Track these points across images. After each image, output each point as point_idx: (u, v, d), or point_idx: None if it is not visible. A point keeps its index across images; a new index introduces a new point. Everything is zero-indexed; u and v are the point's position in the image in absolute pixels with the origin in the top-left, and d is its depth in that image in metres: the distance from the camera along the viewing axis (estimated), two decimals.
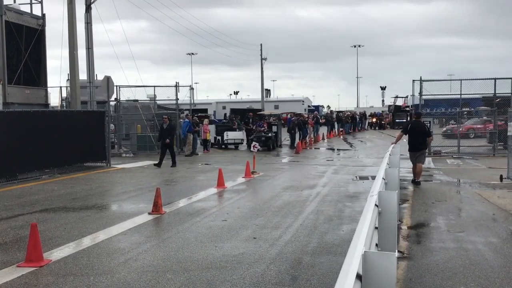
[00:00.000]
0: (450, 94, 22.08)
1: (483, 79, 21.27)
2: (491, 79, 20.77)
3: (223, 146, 26.08)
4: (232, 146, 26.16)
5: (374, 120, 51.97)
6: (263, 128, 25.52)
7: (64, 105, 26.11)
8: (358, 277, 2.52)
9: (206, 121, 25.47)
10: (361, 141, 32.45)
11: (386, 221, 4.60)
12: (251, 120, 28.03)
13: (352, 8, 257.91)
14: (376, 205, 4.37)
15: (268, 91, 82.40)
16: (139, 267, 6.02)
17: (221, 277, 5.62)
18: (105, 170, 16.59)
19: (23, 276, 5.69)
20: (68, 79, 23.06)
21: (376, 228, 4.42)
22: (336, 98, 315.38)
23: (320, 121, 36.78)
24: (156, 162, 17.53)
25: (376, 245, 4.39)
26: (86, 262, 6.20)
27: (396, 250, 3.96)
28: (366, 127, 50.55)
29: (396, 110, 51.23)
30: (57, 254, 6.56)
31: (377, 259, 2.71)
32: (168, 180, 14.01)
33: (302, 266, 6.02)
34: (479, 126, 26.18)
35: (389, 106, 61.99)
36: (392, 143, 12.92)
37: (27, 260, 6.09)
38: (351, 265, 2.45)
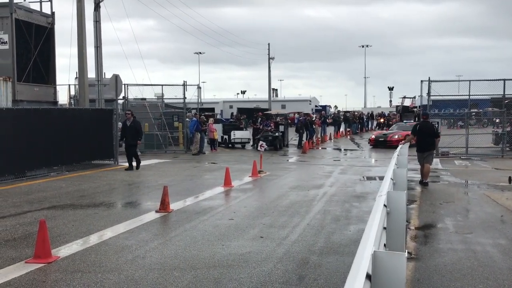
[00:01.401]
0: (458, 95, 21.96)
1: (492, 80, 21.13)
2: (500, 80, 20.63)
3: (230, 145, 26.12)
4: (239, 145, 26.18)
5: (381, 120, 51.82)
6: (270, 128, 25.53)
7: (73, 103, 26.27)
8: (368, 276, 2.51)
9: (211, 120, 25.51)
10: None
11: (395, 222, 4.59)
12: (259, 119, 28.07)
13: (360, 8, 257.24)
14: (384, 205, 4.36)
15: (275, 90, 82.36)
16: (146, 264, 6.04)
17: (228, 275, 5.62)
18: (113, 168, 16.65)
19: (31, 272, 5.73)
20: (76, 77, 23.18)
21: (384, 228, 4.41)
22: (343, 98, 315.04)
23: (327, 121, 36.72)
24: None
25: (384, 245, 4.38)
26: (93, 259, 6.23)
27: (406, 251, 3.94)
28: (374, 127, 50.40)
29: (404, 110, 51.01)
30: (65, 251, 6.60)
31: (387, 259, 2.70)
32: (175, 178, 14.04)
33: (309, 265, 6.01)
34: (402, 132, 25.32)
35: (397, 106, 61.72)
36: (400, 143, 12.90)
37: (36, 257, 6.13)
38: (361, 264, 2.44)
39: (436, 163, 17.49)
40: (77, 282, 5.42)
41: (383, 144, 24.84)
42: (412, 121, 33.96)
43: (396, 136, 24.52)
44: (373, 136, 26.63)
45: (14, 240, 7.19)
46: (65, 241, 7.09)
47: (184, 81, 23.71)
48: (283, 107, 61.50)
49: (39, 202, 10.19)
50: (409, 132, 23.59)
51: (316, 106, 70.71)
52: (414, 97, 54.44)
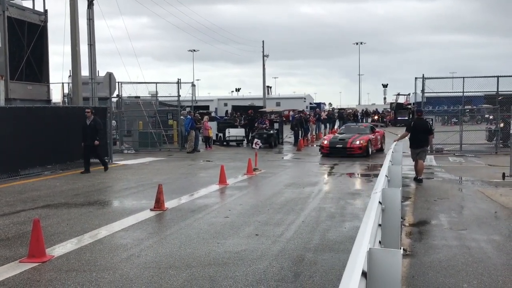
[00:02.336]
0: (452, 92, 22.04)
1: (485, 76, 21.24)
2: (494, 76, 20.73)
3: (225, 143, 26.10)
4: (234, 143, 26.18)
5: (376, 117, 51.96)
6: (264, 125, 25.53)
7: (66, 101, 26.13)
8: (363, 274, 2.51)
9: (206, 118, 25.48)
10: None
11: (390, 218, 4.59)
12: (242, 117, 28.09)
13: (356, 5, 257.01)
14: (379, 202, 4.36)
15: (269, 88, 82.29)
16: (141, 263, 6.02)
17: (224, 273, 5.62)
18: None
19: (25, 272, 5.69)
20: (70, 75, 23.05)
21: (379, 225, 4.41)
22: (338, 95, 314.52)
23: (322, 118, 36.77)
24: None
25: (380, 242, 4.38)
26: (88, 258, 6.21)
27: (401, 248, 3.94)
28: None
29: (398, 107, 51.19)
30: (59, 250, 6.57)
31: (382, 256, 2.70)
32: (170, 176, 14.01)
33: (305, 263, 6.02)
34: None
35: (391, 103, 61.93)
36: (395, 140, 12.94)
37: (30, 256, 6.09)
38: (357, 262, 2.44)
39: (430, 159, 17.56)
40: (72, 281, 5.39)
41: (342, 153, 19.09)
42: (407, 118, 33.87)
43: (358, 142, 19.11)
44: (326, 141, 20.02)
45: (7, 239, 7.15)
46: (59, 240, 7.05)
47: (178, 79, 23.68)
48: (278, 104, 61.53)
49: (33, 201, 10.14)
50: (370, 136, 19.71)
51: (310, 103, 70.79)
52: (409, 94, 54.58)
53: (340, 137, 20.14)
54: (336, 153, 19.19)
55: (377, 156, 18.93)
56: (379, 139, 21.15)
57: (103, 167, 15.14)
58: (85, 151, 14.67)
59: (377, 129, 22.07)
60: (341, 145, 19.30)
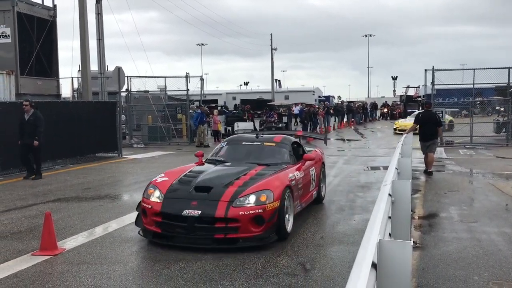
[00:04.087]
0: (462, 84, 21.83)
1: (496, 68, 20.98)
2: (505, 68, 20.48)
3: None
4: None
5: (385, 110, 51.62)
6: (273, 119, 25.52)
7: (76, 96, 26.28)
8: (373, 265, 2.50)
9: (215, 112, 25.51)
10: (372, 131, 32.29)
11: (400, 211, 4.58)
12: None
13: None
14: (389, 194, 4.35)
15: (278, 81, 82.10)
16: (151, 256, 6.06)
17: (233, 265, 5.64)
18: (117, 161, 16.68)
19: (38, 264, 5.76)
20: (79, 70, 23.18)
21: (389, 217, 4.40)
22: (347, 88, 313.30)
23: (331, 111, 36.61)
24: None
25: (389, 234, 4.38)
26: (99, 251, 6.26)
27: (412, 240, 3.94)
28: (378, 117, 50.26)
29: (408, 100, 50.80)
30: (70, 243, 6.63)
31: (392, 248, 2.69)
32: None
33: (315, 255, 6.02)
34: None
35: (401, 96, 61.47)
36: (404, 133, 12.87)
37: (42, 249, 6.16)
38: (367, 253, 2.44)
39: (440, 152, 17.44)
40: (83, 273, 5.45)
41: (199, 235, 6.25)
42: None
43: (253, 198, 6.28)
44: (158, 195, 6.81)
45: (20, 232, 7.23)
46: (70, 233, 7.12)
47: (186, 73, 23.69)
48: (287, 98, 61.39)
49: (44, 195, 10.23)
50: (288, 174, 7.09)
51: (319, 96, 70.55)
52: (418, 87, 54.15)
53: (202, 180, 6.94)
54: (180, 234, 6.41)
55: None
56: (313, 176, 8.41)
57: (115, 160, 15.20)
58: (23, 150, 12.32)
59: (314, 147, 10.30)
60: (199, 211, 6.27)
